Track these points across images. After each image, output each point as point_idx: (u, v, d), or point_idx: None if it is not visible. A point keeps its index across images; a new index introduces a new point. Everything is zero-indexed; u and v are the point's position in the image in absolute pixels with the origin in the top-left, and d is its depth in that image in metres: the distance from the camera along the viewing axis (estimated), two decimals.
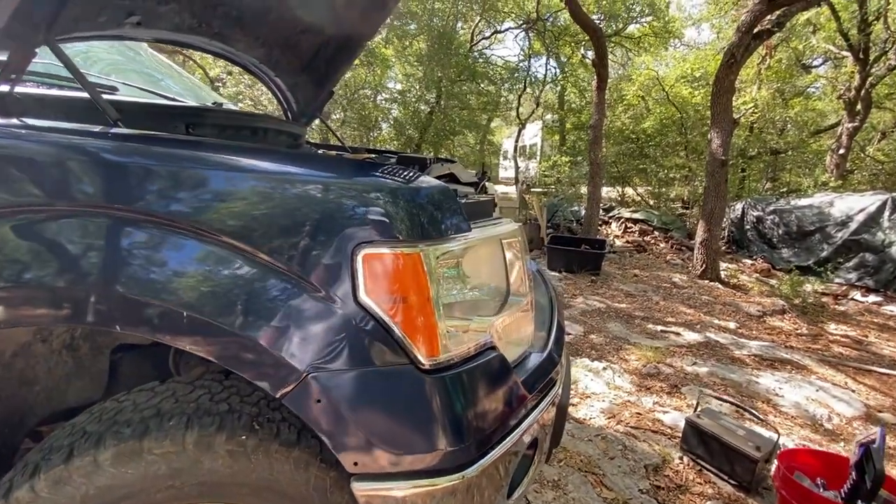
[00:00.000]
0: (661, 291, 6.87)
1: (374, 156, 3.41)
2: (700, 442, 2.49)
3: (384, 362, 0.98)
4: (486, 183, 2.20)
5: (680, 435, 2.77)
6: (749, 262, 9.47)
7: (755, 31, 6.86)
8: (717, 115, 7.29)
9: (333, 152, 3.38)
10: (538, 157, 21.46)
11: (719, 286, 7.24)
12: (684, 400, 3.54)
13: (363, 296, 0.97)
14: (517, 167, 18.05)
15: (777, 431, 2.48)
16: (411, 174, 1.11)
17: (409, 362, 0.99)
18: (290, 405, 0.97)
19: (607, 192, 13.96)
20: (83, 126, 1.07)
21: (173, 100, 1.99)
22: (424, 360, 0.99)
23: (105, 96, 1.60)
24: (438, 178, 1.68)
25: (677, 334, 5.12)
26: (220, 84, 9.67)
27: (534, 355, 1.40)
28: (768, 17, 6.75)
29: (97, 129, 1.07)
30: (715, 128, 7.29)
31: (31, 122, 1.09)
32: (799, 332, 5.65)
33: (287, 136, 3.05)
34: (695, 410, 2.70)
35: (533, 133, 20.14)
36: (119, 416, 1.10)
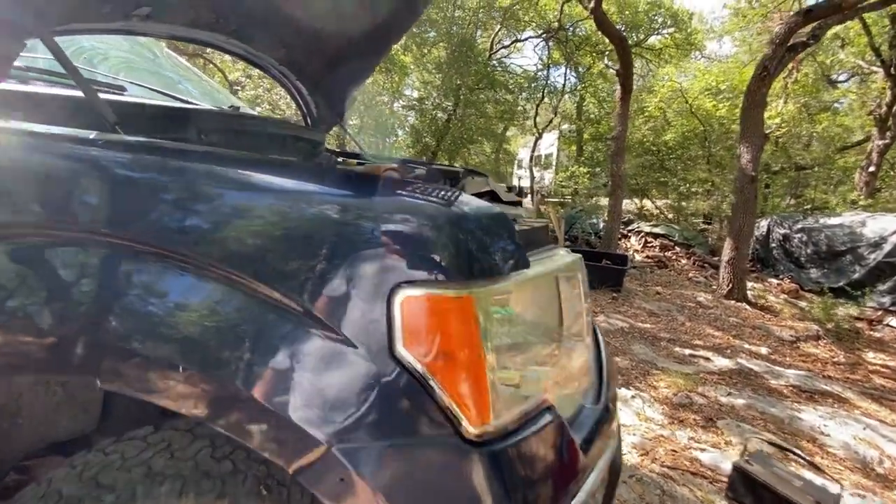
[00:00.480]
0: (686, 311, 6.58)
1: (395, 165, 3.23)
2: (750, 492, 2.23)
3: (424, 432, 0.78)
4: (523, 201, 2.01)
5: (722, 478, 2.52)
6: (775, 281, 9.10)
7: (790, 43, 6.60)
8: (747, 129, 7.02)
9: (354, 161, 3.23)
10: (554, 167, 21.26)
11: (747, 307, 6.92)
12: (722, 436, 3.27)
13: (400, 348, 0.78)
14: (533, 177, 17.85)
15: (840, 483, 2.22)
16: (453, 194, 0.91)
17: (453, 432, 0.79)
18: (306, 482, 0.78)
19: (625, 204, 13.67)
20: (69, 130, 0.90)
21: (187, 103, 1.83)
22: (473, 428, 0.79)
23: (110, 97, 1.44)
24: (477, 196, 1.49)
25: (707, 359, 4.84)
26: (238, 87, 9.64)
27: (588, 407, 1.19)
28: (803, 29, 6.50)
29: (84, 133, 0.89)
30: (745, 142, 7.02)
31: (12, 124, 0.93)
32: (836, 360, 5.33)
33: (306, 143, 2.90)
34: (742, 454, 2.45)
35: (549, 143, 19.97)
36: (102, 475, 0.91)
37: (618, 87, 17.32)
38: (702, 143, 11.62)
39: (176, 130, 1.51)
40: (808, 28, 6.62)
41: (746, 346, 5.43)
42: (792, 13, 6.08)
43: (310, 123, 3.26)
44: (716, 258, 10.43)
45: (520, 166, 24.55)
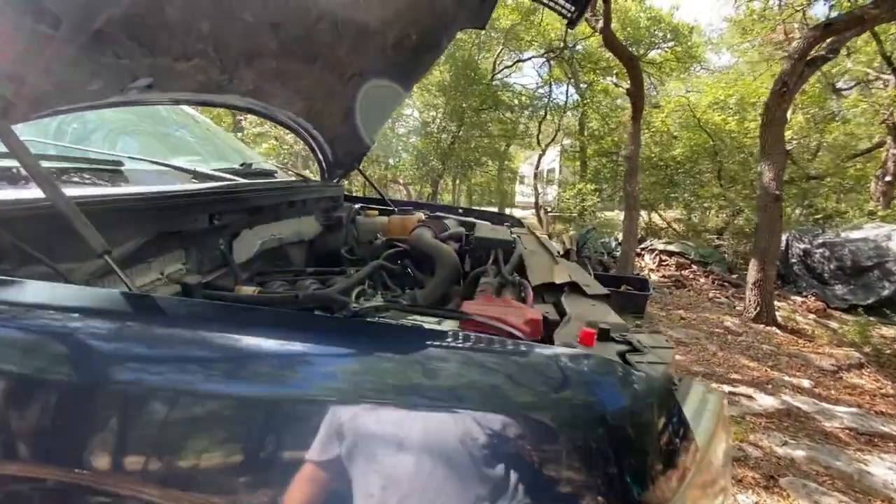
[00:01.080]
0: (715, 339, 6.25)
1: (422, 215, 3.00)
2: None
3: None
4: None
5: None
6: (799, 299, 8.77)
7: (808, 57, 6.40)
8: (767, 146, 6.78)
9: (375, 212, 2.97)
10: (556, 182, 21.06)
11: (777, 332, 6.59)
12: (788, 499, 2.94)
13: None
14: (537, 193, 17.64)
15: None
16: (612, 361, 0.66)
17: None
18: None
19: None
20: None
21: (194, 172, 1.57)
22: None
23: (100, 191, 1.18)
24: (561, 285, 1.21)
25: (749, 397, 4.51)
26: (242, 118, 9.46)
27: None
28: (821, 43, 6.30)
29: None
30: (766, 160, 6.77)
31: None
32: (883, 391, 4.99)
33: (326, 201, 2.65)
34: None
35: (551, 158, 19.79)
36: None
37: (620, 100, 17.31)
38: (712, 158, 11.39)
39: (183, 221, 1.25)
40: (826, 42, 6.42)
41: (787, 378, 5.09)
42: (811, 27, 5.86)
43: (325, 169, 3.01)
44: (734, 276, 10.13)
45: (521, 182, 24.37)
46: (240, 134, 11.08)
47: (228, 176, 1.66)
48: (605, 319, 1.03)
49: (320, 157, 2.82)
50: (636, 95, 7.82)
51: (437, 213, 2.74)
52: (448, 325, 1.03)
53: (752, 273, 6.96)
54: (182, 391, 0.57)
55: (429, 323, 1.02)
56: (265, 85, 1.56)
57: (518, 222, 3.05)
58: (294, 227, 2.14)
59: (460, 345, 0.65)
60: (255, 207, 1.54)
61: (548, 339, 0.98)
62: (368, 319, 0.99)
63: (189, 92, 1.27)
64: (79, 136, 1.46)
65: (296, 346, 0.63)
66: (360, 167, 3.06)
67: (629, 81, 8.02)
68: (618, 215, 14.52)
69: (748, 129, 10.66)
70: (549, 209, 19.79)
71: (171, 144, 2.02)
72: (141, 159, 1.47)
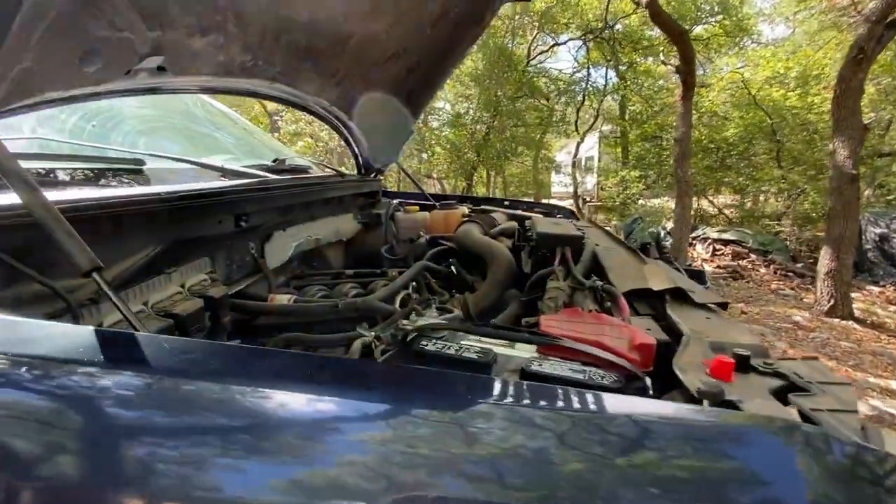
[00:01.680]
0: (784, 335, 5.71)
1: (466, 209, 2.78)
2: None
3: None
4: None
5: None
6: (876, 289, 7.97)
7: (888, 19, 5.69)
8: (841, 120, 6.12)
9: (416, 207, 2.78)
10: (595, 170, 20.29)
11: (856, 326, 5.96)
12: None
13: None
14: (576, 182, 17.06)
15: None
16: None
17: None
18: None
19: (671, 203, 12.70)
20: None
21: (222, 170, 1.41)
22: None
23: (118, 192, 1.03)
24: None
25: None
26: (279, 118, 9.50)
27: None
28: None
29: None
30: (839, 136, 6.11)
31: None
32: None
33: (364, 197, 2.47)
34: None
35: (588, 146, 19.05)
36: None
37: (663, 81, 16.35)
38: (769, 138, 10.52)
39: (204, 225, 1.08)
40: None
41: (872, 379, 4.56)
42: None
43: (361, 164, 2.83)
44: (799, 265, 9.33)
45: (557, 171, 23.66)
46: (276, 134, 11.20)
47: (259, 173, 1.50)
48: (737, 340, 0.78)
49: (356, 150, 2.64)
50: (687, 72, 7.26)
51: (483, 207, 2.51)
52: (523, 351, 0.80)
53: (825, 262, 6.32)
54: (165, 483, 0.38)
55: (499, 347, 0.80)
56: (296, 67, 1.37)
57: (571, 214, 2.77)
58: (331, 226, 1.97)
59: (584, 409, 0.43)
60: (287, 206, 1.37)
61: (658, 371, 0.74)
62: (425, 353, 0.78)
63: (208, 76, 1.10)
64: (98, 135, 1.33)
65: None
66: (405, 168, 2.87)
67: (678, 58, 7.46)
68: (664, 203, 13.78)
69: (812, 104, 9.75)
70: (587, 199, 19.09)
71: (204, 143, 1.89)
72: (164, 157, 1.33)
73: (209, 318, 1.05)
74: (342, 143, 2.73)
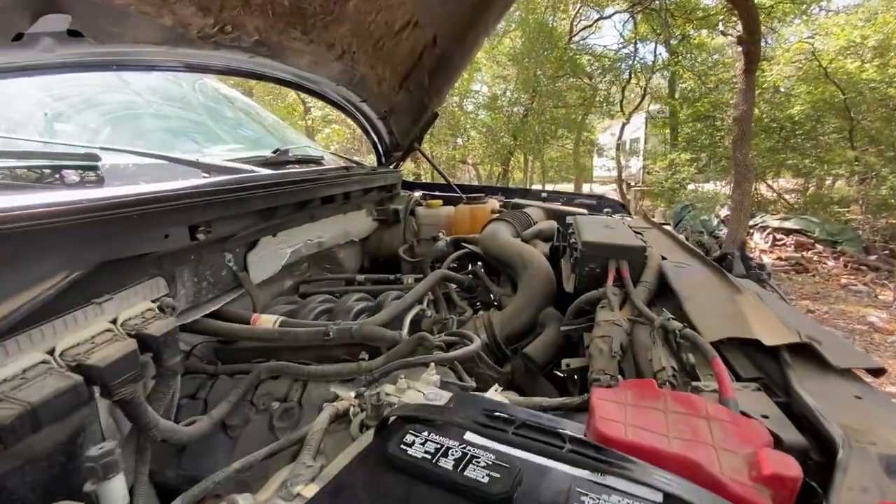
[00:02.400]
0: (857, 338, 5.08)
1: (496, 203, 2.45)
2: None
3: None
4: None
5: None
6: None
7: None
8: None
9: (439, 202, 2.48)
10: (641, 154, 19.22)
11: None
12: None
13: None
14: (620, 166, 16.22)
15: None
16: None
17: None
18: None
19: (727, 188, 11.73)
20: None
21: (201, 165, 1.16)
22: None
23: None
24: None
25: None
26: (312, 105, 9.31)
27: None
28: None
29: None
30: None
31: None
32: None
33: (380, 191, 2.20)
34: None
35: (633, 127, 18.00)
36: None
37: (718, 56, 15.07)
38: (842, 115, 9.45)
39: (142, 241, 0.84)
40: None
41: None
42: None
43: (381, 152, 2.56)
44: (873, 257, 8.38)
45: (600, 154, 22.61)
46: (308, 122, 11.08)
47: (244, 167, 1.26)
48: None
49: (374, 137, 2.36)
50: (751, 43, 6.52)
51: (516, 201, 2.19)
52: (569, 471, 0.50)
53: None
54: None
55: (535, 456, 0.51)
56: (279, 36, 1.10)
57: (622, 207, 2.40)
58: (338, 226, 1.71)
59: None
60: (268, 209, 1.12)
61: None
62: None
63: (152, 46, 0.85)
64: (53, 127, 1.12)
65: None
66: (422, 147, 2.57)
67: (740, 28, 6.71)
68: (717, 188, 12.81)
69: (894, 77, 8.61)
70: (632, 183, 18.10)
71: (195, 133, 1.66)
72: (126, 151, 1.10)
73: (152, 359, 0.82)
74: (365, 134, 2.47)
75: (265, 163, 1.60)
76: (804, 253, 8.36)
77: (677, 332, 0.75)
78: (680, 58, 13.45)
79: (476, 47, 2.30)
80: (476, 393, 0.64)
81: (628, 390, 0.59)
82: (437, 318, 1.33)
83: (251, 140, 2.02)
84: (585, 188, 20.21)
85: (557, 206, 2.23)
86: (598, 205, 2.33)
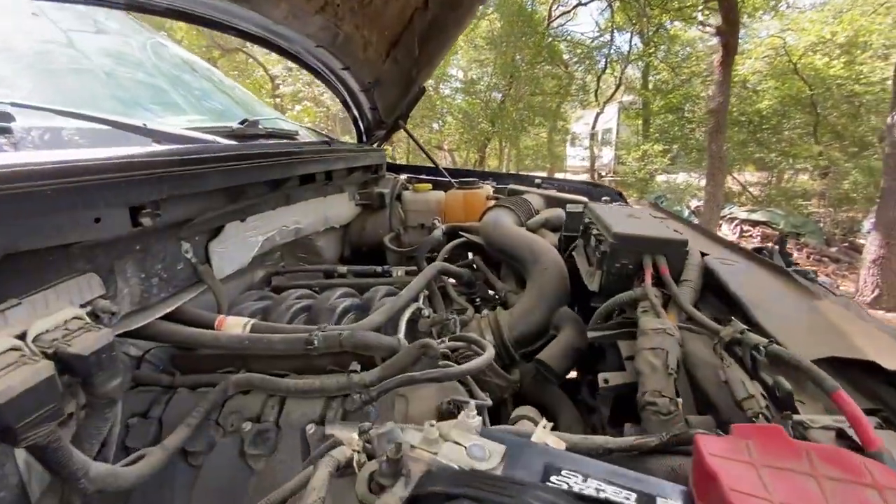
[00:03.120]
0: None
1: (490, 188, 2.27)
2: None
3: None
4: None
5: None
6: None
7: None
8: None
9: (428, 185, 2.27)
10: (613, 144, 19.43)
11: None
12: None
13: None
14: (593, 155, 16.37)
15: None
16: None
17: None
18: None
19: (699, 181, 12.00)
20: None
21: (148, 132, 0.93)
22: None
23: None
24: None
25: None
26: (281, 83, 8.77)
27: None
28: None
29: None
30: None
31: None
32: None
33: (364, 172, 1.98)
34: None
35: (606, 118, 18.14)
36: None
37: (689, 49, 15.26)
38: (808, 110, 9.73)
39: (73, 221, 0.63)
40: None
41: None
42: None
43: (362, 129, 2.34)
44: (833, 249, 8.74)
45: (573, 144, 22.74)
46: (279, 100, 10.53)
47: (201, 136, 1.03)
48: None
49: (355, 112, 2.14)
50: (729, 34, 6.53)
51: (512, 186, 2.02)
52: None
53: (873, 248, 5.76)
54: None
55: None
56: None
57: (618, 195, 2.27)
58: (317, 211, 1.50)
59: None
60: (236, 188, 0.91)
61: None
62: None
63: None
64: None
65: None
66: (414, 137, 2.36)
67: (720, 18, 6.71)
68: (689, 179, 13.04)
69: (860, 74, 8.89)
70: (603, 173, 18.27)
71: (147, 100, 1.40)
72: (48, 110, 0.86)
73: (80, 385, 0.61)
74: (345, 108, 2.24)
75: (231, 134, 1.37)
76: (770, 245, 8.62)
77: (761, 348, 0.61)
78: (654, 48, 13.54)
79: (470, 15, 2.10)
80: (527, 439, 0.48)
81: (747, 440, 0.43)
82: (436, 319, 1.15)
83: (215, 112, 1.76)
84: (559, 177, 20.32)
85: (553, 192, 2.08)
86: (596, 192, 2.20)
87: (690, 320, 0.79)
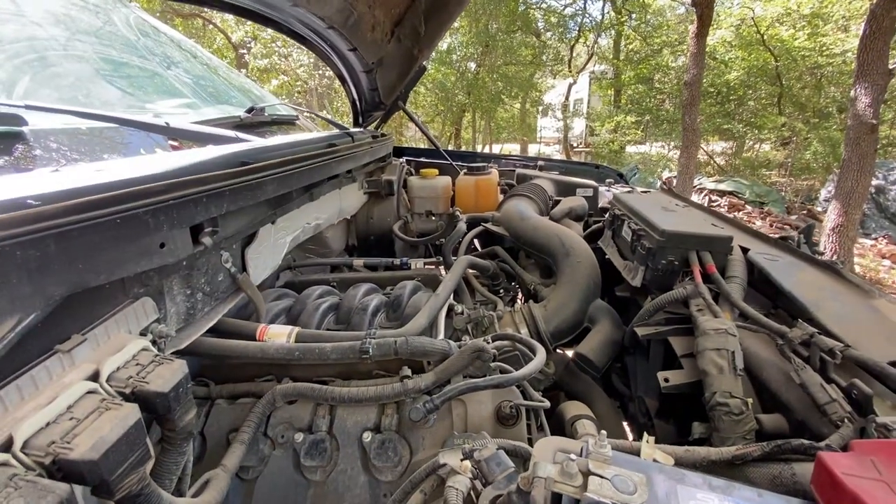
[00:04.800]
0: None
1: (496, 172, 2.22)
2: None
3: None
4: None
5: None
6: (868, 242, 7.91)
7: None
8: (866, 63, 5.63)
9: (435, 171, 2.21)
10: (585, 114, 19.51)
11: None
12: None
13: None
14: (566, 127, 16.42)
15: None
16: None
17: None
18: None
19: (671, 152, 12.30)
20: None
21: (171, 130, 0.86)
22: None
23: None
24: None
25: None
26: (245, 52, 8.22)
27: None
28: None
29: None
30: (862, 81, 5.65)
31: None
32: None
33: (375, 162, 1.90)
34: None
35: (577, 88, 18.14)
36: None
37: (658, 18, 15.28)
38: (773, 81, 10.00)
39: (138, 251, 0.57)
40: None
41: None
42: None
43: (360, 110, 2.24)
44: (794, 217, 9.19)
45: (544, 114, 22.72)
46: (244, 71, 9.95)
47: (229, 133, 0.96)
48: None
49: (354, 93, 2.04)
50: (704, 4, 6.56)
51: (521, 171, 1.99)
52: None
53: (832, 216, 6.08)
54: None
55: None
56: None
57: (619, 176, 2.29)
58: (334, 204, 1.44)
59: None
60: (279, 196, 0.85)
61: None
62: None
63: None
64: None
65: None
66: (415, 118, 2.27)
67: None
68: (661, 150, 13.30)
69: (824, 46, 9.17)
70: (575, 144, 18.39)
71: (143, 83, 1.29)
72: (63, 111, 0.77)
73: (156, 421, 0.58)
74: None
75: (239, 125, 1.28)
76: (736, 213, 8.97)
77: (837, 352, 0.63)
78: (626, 17, 13.50)
79: None
80: (666, 465, 0.48)
81: (873, 457, 0.45)
82: (472, 316, 1.14)
83: (213, 96, 1.64)
84: (532, 149, 20.30)
85: (559, 176, 2.08)
86: (599, 174, 2.21)
87: (744, 317, 0.81)
